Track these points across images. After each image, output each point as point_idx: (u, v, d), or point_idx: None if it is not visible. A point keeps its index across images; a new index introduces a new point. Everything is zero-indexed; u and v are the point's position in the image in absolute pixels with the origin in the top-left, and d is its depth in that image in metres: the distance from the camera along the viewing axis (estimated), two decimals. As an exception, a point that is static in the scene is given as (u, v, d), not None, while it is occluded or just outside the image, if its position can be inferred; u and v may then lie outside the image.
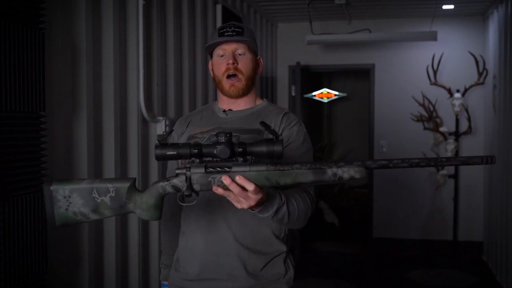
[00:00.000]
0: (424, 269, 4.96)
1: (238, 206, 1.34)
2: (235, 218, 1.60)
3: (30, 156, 1.95)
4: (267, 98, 4.99)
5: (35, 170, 1.97)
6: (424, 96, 5.42)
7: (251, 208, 1.36)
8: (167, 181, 1.37)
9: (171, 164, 1.76)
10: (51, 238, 2.08)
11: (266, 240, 1.64)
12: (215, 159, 1.33)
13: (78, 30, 2.30)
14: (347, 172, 1.31)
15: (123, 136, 2.65)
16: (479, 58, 5.24)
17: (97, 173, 2.44)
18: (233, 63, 1.64)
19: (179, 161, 1.65)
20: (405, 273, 4.83)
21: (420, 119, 5.45)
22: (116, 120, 2.56)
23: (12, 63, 1.81)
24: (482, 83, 5.24)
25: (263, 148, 1.30)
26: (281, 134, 1.38)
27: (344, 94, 7.67)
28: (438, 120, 5.42)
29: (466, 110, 5.28)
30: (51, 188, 1.36)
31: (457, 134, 5.33)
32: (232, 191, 1.31)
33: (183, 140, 1.71)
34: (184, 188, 1.34)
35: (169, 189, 1.37)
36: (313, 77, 7.71)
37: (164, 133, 2.97)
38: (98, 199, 1.36)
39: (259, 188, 1.31)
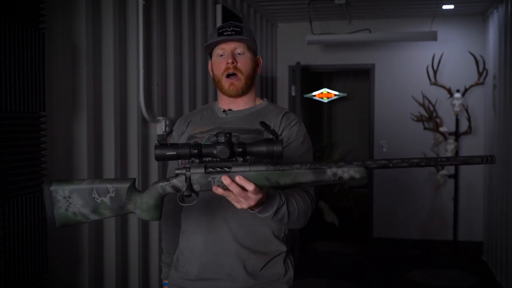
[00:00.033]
0: (424, 269, 4.96)
1: (238, 206, 1.34)
2: (235, 218, 1.60)
3: (30, 156, 1.95)
4: (267, 98, 4.99)
5: (35, 170, 1.97)
6: (424, 96, 5.42)
7: (251, 208, 1.35)
8: (167, 181, 1.37)
9: (172, 164, 1.77)
10: (51, 238, 2.08)
11: (265, 240, 1.64)
12: (215, 159, 1.33)
13: (78, 30, 2.30)
14: (347, 172, 1.31)
15: (123, 136, 2.65)
16: (479, 58, 5.24)
17: (97, 173, 2.44)
18: (233, 62, 1.65)
19: (180, 161, 1.65)
20: (405, 273, 4.83)
21: (420, 119, 5.46)
22: (116, 120, 2.56)
23: (12, 63, 1.81)
24: (482, 83, 5.24)
25: (263, 148, 1.30)
26: (281, 134, 1.38)
27: (344, 94, 7.67)
28: (438, 120, 5.42)
29: (466, 110, 5.28)
30: (51, 188, 1.36)
31: (457, 134, 5.33)
32: (231, 191, 1.31)
33: (183, 139, 1.71)
34: (184, 189, 1.34)
35: (169, 189, 1.37)
36: (313, 77, 7.71)
37: (164, 133, 2.97)
38: (98, 199, 1.36)
39: (258, 188, 1.31)
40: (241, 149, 1.30)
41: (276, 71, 5.74)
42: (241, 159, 1.32)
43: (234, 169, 1.31)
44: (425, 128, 5.46)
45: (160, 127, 2.96)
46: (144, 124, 2.85)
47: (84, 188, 1.36)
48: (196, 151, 1.31)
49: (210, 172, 1.33)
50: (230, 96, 1.69)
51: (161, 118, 2.96)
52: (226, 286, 1.61)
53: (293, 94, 5.42)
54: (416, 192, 5.60)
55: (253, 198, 1.31)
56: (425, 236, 5.59)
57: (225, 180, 1.30)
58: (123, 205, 1.38)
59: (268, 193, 1.39)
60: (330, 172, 1.31)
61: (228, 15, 3.93)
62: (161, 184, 1.37)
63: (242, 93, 1.68)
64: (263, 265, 1.62)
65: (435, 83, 5.35)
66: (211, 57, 1.72)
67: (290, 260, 1.70)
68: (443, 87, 5.34)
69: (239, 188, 1.30)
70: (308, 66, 5.71)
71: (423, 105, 5.43)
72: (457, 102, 5.19)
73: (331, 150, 8.19)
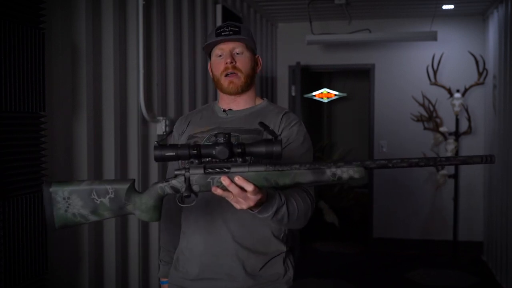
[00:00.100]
0: (424, 269, 4.96)
1: (237, 206, 1.34)
2: (234, 219, 1.60)
3: (30, 156, 1.95)
4: (267, 98, 4.99)
5: (35, 170, 1.97)
6: (424, 96, 5.42)
7: (250, 208, 1.36)
8: (166, 182, 1.37)
9: (171, 165, 1.77)
10: (51, 238, 2.08)
11: (265, 240, 1.64)
12: (214, 160, 1.33)
13: (78, 30, 2.30)
14: (346, 172, 1.31)
15: (123, 136, 2.65)
16: (479, 58, 5.24)
17: (97, 173, 2.44)
18: (231, 62, 1.65)
19: (179, 162, 1.66)
20: (405, 273, 4.83)
21: (420, 119, 5.46)
22: (116, 120, 2.56)
23: (12, 63, 1.81)
24: (482, 83, 5.24)
25: (262, 149, 1.30)
26: (280, 134, 1.38)
27: (344, 94, 7.67)
28: (438, 120, 5.42)
29: (466, 110, 5.28)
30: (51, 189, 1.36)
31: (457, 134, 5.33)
32: (231, 192, 1.31)
33: (183, 139, 1.72)
34: (183, 189, 1.34)
35: (168, 190, 1.37)
36: (313, 77, 7.71)
37: (164, 133, 2.97)
38: (97, 200, 1.37)
39: (258, 188, 1.31)
40: (240, 150, 1.30)
41: (276, 71, 5.74)
42: (240, 159, 1.32)
43: (233, 169, 1.32)
44: (425, 128, 5.46)
45: (160, 127, 2.96)
46: (144, 124, 2.85)
47: (83, 189, 1.37)
48: (195, 151, 1.31)
49: (209, 173, 1.33)
50: (230, 94, 1.69)
51: (161, 118, 2.96)
52: (226, 286, 1.62)
53: (293, 94, 5.42)
54: (416, 192, 5.60)
55: (252, 199, 1.31)
56: (425, 236, 5.59)
57: (224, 180, 1.30)
58: (122, 206, 1.38)
59: (267, 194, 1.39)
60: (329, 172, 1.31)
61: (228, 15, 3.93)
62: (160, 185, 1.38)
63: (242, 91, 1.68)
64: (262, 265, 1.63)
65: (435, 83, 5.35)
66: (210, 57, 1.73)
67: (290, 260, 1.70)
68: (443, 87, 5.34)
69: (238, 188, 1.30)
70: (308, 66, 5.71)
71: (423, 105, 5.43)
72: (457, 102, 5.19)
73: (331, 150, 8.19)
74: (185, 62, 3.38)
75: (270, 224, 1.62)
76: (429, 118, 5.42)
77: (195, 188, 1.34)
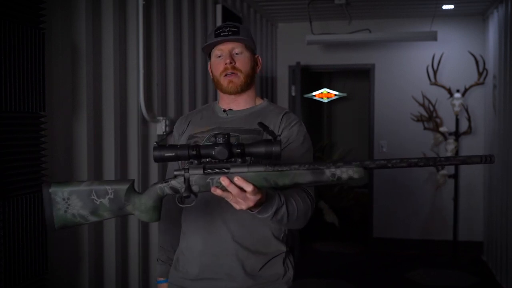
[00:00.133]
0: (424, 269, 4.97)
1: (237, 207, 1.34)
2: (234, 219, 1.60)
3: (30, 156, 1.95)
4: (267, 98, 4.99)
5: (35, 170, 1.97)
6: (424, 96, 5.42)
7: (250, 209, 1.36)
8: (165, 182, 1.37)
9: (171, 165, 1.77)
10: (51, 238, 2.08)
11: (265, 240, 1.64)
12: (213, 160, 1.33)
13: (78, 30, 2.30)
14: (346, 173, 1.31)
15: (123, 136, 2.65)
16: (479, 58, 5.24)
17: (97, 173, 2.44)
18: (231, 63, 1.65)
19: (180, 162, 1.66)
20: (405, 273, 4.83)
21: (420, 119, 5.46)
22: (116, 120, 2.56)
23: (12, 63, 1.81)
24: (482, 83, 5.24)
25: (261, 149, 1.30)
26: (279, 135, 1.38)
27: (344, 94, 7.67)
28: (438, 120, 5.42)
29: (466, 110, 5.28)
30: (50, 190, 1.36)
31: (457, 134, 5.33)
32: (230, 192, 1.31)
33: (183, 139, 1.72)
34: (183, 190, 1.34)
35: (167, 190, 1.37)
36: (313, 77, 7.71)
37: (164, 133, 2.97)
38: (97, 201, 1.37)
39: (257, 189, 1.31)
40: (239, 150, 1.31)
41: (276, 71, 5.75)
42: (240, 160, 1.32)
43: (232, 170, 1.32)
44: (425, 128, 5.46)
45: (160, 127, 2.96)
46: (144, 124, 2.85)
47: (83, 189, 1.37)
48: (195, 152, 1.31)
49: (209, 173, 1.33)
50: (230, 94, 1.69)
51: (161, 118, 2.96)
52: (226, 286, 1.62)
53: (293, 94, 5.42)
54: (416, 192, 5.60)
55: (251, 199, 1.31)
56: (425, 236, 5.59)
57: (224, 181, 1.30)
58: (122, 207, 1.38)
59: (267, 194, 1.39)
60: (329, 172, 1.31)
61: (228, 15, 3.93)
62: (159, 185, 1.38)
63: (241, 90, 1.68)
64: (262, 265, 1.63)
65: (435, 83, 5.35)
66: (210, 58, 1.73)
67: (290, 260, 1.70)
68: (443, 87, 5.34)
69: (237, 189, 1.30)
70: (308, 66, 5.71)
71: (423, 105, 5.43)
72: (457, 102, 5.19)
73: (331, 150, 8.19)
74: (185, 62, 3.38)
75: (270, 224, 1.62)
76: (429, 118, 5.42)
77: (195, 188, 1.34)
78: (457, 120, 5.32)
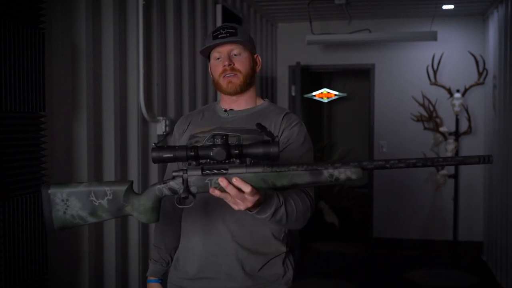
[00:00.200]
0: (424, 269, 4.97)
1: (235, 207, 1.34)
2: (233, 219, 1.61)
3: (30, 156, 1.95)
4: (267, 98, 5.00)
5: (35, 170, 1.98)
6: (424, 96, 5.42)
7: (248, 209, 1.36)
8: (164, 183, 1.37)
9: (170, 166, 1.77)
10: (51, 238, 2.08)
11: (265, 240, 1.64)
12: (211, 161, 1.33)
13: (78, 30, 2.30)
14: (344, 173, 1.31)
15: (123, 136, 2.66)
16: (479, 58, 5.24)
17: (97, 173, 2.44)
18: (230, 64, 1.65)
19: (179, 163, 1.66)
20: (405, 273, 4.83)
21: (420, 119, 5.46)
22: (116, 120, 2.56)
23: (12, 63, 1.81)
24: (482, 83, 5.24)
25: (259, 150, 1.31)
26: (278, 136, 1.38)
27: (344, 94, 7.67)
28: (438, 120, 5.42)
29: (466, 110, 5.28)
30: (49, 191, 1.37)
31: (457, 134, 5.33)
32: (229, 193, 1.31)
33: (184, 138, 1.72)
34: (181, 191, 1.35)
35: (166, 191, 1.37)
36: (313, 77, 7.71)
37: (164, 133, 2.97)
38: (95, 202, 1.37)
39: (256, 189, 1.31)
40: (237, 151, 1.31)
41: (276, 71, 5.75)
42: (238, 161, 1.32)
43: (231, 171, 1.32)
44: (425, 128, 5.46)
45: (160, 127, 2.96)
46: (144, 124, 2.85)
47: (81, 191, 1.37)
48: (193, 153, 1.31)
49: (207, 174, 1.33)
50: (230, 94, 1.69)
51: (161, 118, 2.97)
52: (225, 286, 1.62)
53: (293, 94, 5.42)
54: (416, 192, 5.60)
55: (250, 200, 1.32)
56: (425, 236, 5.59)
57: (222, 182, 1.30)
58: (120, 208, 1.38)
59: (266, 194, 1.39)
60: (327, 173, 1.31)
61: (228, 15, 3.93)
62: (158, 186, 1.38)
63: (241, 90, 1.68)
64: (262, 266, 1.63)
65: (435, 83, 5.35)
66: (209, 59, 1.73)
67: (289, 260, 1.70)
68: (443, 87, 5.34)
69: (236, 190, 1.30)
70: (308, 66, 5.71)
71: (423, 105, 5.43)
72: (457, 102, 5.19)
73: (331, 150, 8.19)
74: (185, 62, 3.38)
75: (270, 225, 1.62)
76: (429, 118, 5.42)
77: (193, 189, 1.34)
78: (457, 120, 5.32)
